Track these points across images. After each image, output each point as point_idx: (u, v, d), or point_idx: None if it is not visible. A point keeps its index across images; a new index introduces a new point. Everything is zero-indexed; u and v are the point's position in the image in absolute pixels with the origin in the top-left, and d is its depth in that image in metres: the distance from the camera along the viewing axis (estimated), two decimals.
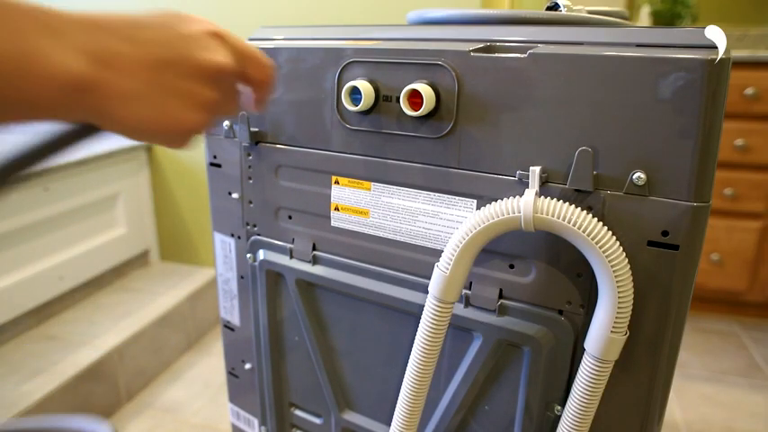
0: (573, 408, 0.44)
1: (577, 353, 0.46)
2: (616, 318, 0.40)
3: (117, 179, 1.52)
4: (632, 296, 0.40)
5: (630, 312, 0.41)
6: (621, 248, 0.40)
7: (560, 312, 0.46)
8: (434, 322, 0.46)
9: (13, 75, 0.23)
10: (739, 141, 1.50)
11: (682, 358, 1.48)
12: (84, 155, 1.38)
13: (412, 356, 0.47)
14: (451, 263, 0.44)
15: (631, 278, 0.40)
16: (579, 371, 0.43)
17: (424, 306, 0.52)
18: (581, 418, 0.44)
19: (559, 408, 0.48)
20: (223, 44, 0.32)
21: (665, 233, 0.40)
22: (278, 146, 0.57)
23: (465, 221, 0.43)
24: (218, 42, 0.32)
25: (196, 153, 1.62)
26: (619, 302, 0.40)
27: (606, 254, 0.39)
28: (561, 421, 0.45)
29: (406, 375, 0.48)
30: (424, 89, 0.44)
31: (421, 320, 0.47)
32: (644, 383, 0.44)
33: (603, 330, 0.41)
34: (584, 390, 0.43)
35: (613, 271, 0.39)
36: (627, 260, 0.40)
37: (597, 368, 0.42)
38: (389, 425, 0.61)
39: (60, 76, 0.25)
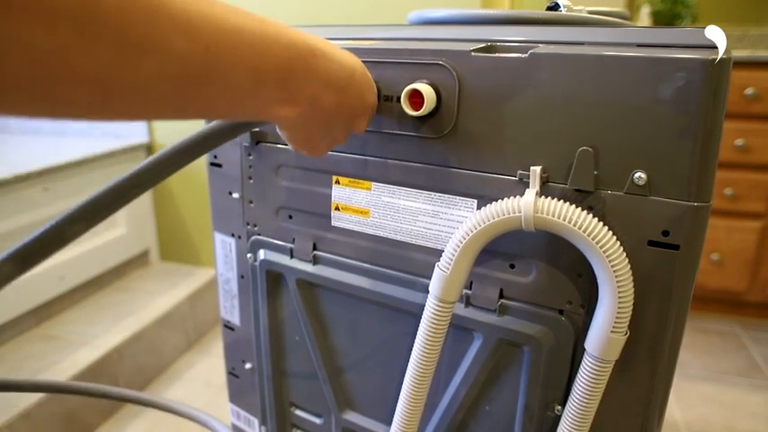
0: (573, 408, 0.44)
1: (578, 353, 0.46)
2: (616, 318, 0.40)
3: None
4: (632, 296, 0.40)
5: (631, 312, 0.41)
6: (622, 248, 0.40)
7: (561, 312, 0.46)
8: (435, 322, 0.46)
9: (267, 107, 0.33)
10: (739, 141, 1.50)
11: (682, 358, 1.48)
12: (84, 155, 1.38)
13: (412, 357, 0.47)
14: (452, 263, 0.44)
15: (632, 278, 0.40)
16: (579, 371, 0.43)
17: (424, 306, 0.52)
18: (581, 418, 0.44)
19: (560, 408, 0.48)
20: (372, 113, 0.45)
21: (665, 233, 0.40)
22: (278, 145, 0.57)
23: (465, 221, 0.43)
24: (372, 113, 0.45)
25: None
26: (619, 302, 0.40)
27: (606, 254, 0.39)
28: (561, 421, 0.45)
29: (406, 376, 0.48)
30: (425, 89, 0.44)
31: (421, 320, 0.47)
32: (644, 383, 0.44)
33: (603, 330, 0.41)
34: (584, 390, 0.43)
35: (614, 271, 0.39)
36: (627, 260, 0.40)
37: (597, 368, 0.42)
38: (390, 425, 0.61)
39: (288, 114, 0.35)
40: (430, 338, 0.46)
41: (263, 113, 0.34)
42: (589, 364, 0.42)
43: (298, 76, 0.34)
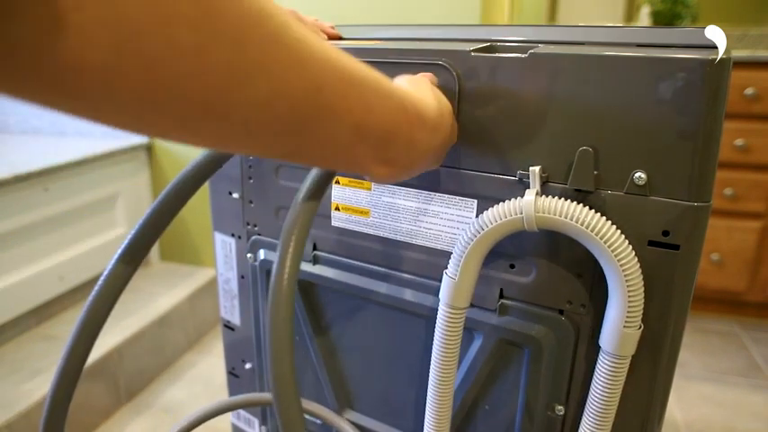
0: (593, 409, 0.43)
1: (578, 353, 0.46)
2: (628, 312, 0.40)
3: (117, 179, 1.52)
4: (642, 289, 0.40)
5: (642, 306, 0.40)
6: (627, 242, 0.40)
7: (561, 312, 0.46)
8: (449, 329, 0.45)
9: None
10: (739, 141, 1.50)
11: (682, 358, 1.48)
12: (84, 155, 1.38)
13: (432, 365, 0.47)
14: (459, 269, 0.44)
15: (640, 272, 0.40)
16: (596, 370, 0.43)
17: (424, 305, 0.52)
18: (602, 419, 0.43)
19: (560, 407, 0.48)
20: None
21: (665, 233, 0.40)
22: None
23: (468, 227, 0.43)
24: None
25: (196, 152, 1.62)
26: (629, 297, 0.39)
27: (612, 248, 0.39)
28: (581, 424, 0.45)
29: (429, 384, 0.48)
30: None
31: (436, 328, 0.46)
32: (644, 383, 0.44)
33: (616, 326, 0.40)
34: (603, 389, 0.42)
35: (621, 266, 0.39)
36: (634, 254, 0.39)
37: (614, 365, 0.41)
38: (389, 424, 0.61)
39: (381, 173, 0.33)
40: (446, 345, 0.46)
41: (354, 168, 0.32)
42: (606, 362, 0.42)
43: (399, 143, 0.32)
